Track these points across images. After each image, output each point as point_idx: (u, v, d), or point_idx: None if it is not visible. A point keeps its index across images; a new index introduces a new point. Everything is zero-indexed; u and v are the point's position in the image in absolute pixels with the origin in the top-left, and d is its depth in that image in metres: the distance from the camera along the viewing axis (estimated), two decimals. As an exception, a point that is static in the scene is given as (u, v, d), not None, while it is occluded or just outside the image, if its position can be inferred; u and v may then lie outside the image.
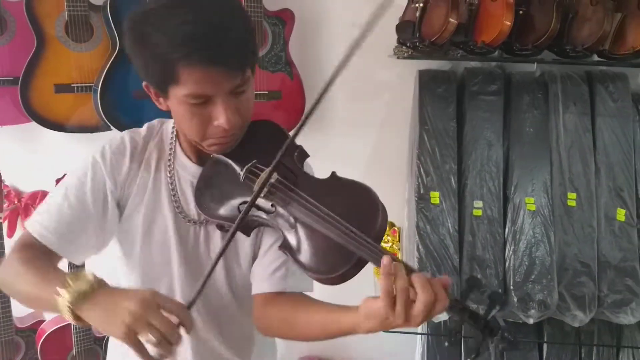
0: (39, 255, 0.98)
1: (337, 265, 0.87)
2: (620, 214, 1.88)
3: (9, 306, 2.08)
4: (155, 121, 1.13)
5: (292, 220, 0.94)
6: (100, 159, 1.04)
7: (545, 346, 1.97)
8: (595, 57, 1.94)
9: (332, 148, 2.05)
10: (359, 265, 0.87)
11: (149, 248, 1.06)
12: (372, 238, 0.86)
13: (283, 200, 0.94)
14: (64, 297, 0.83)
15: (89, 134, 2.04)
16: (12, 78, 1.96)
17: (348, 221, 0.88)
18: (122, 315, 0.79)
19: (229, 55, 0.89)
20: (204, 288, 0.86)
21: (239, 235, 1.03)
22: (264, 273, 1.04)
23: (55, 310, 0.85)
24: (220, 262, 1.06)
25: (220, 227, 1.05)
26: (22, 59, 1.92)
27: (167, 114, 1.03)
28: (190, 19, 0.86)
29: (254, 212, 0.97)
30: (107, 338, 2.16)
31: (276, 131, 1.07)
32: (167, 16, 0.87)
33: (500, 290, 1.78)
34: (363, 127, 2.19)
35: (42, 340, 2.10)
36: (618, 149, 1.93)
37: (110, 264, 1.13)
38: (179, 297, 1.06)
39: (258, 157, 0.99)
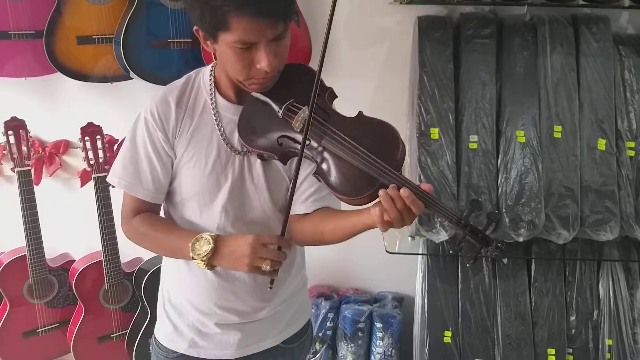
0: (153, 216, 1.28)
1: (363, 189, 1.05)
2: (601, 144, 2.05)
3: (42, 248, 2.23)
4: (192, 72, 1.28)
5: (324, 151, 1.11)
6: (150, 117, 1.21)
7: (533, 263, 2.17)
8: (580, 1, 2.08)
9: (337, 92, 2.19)
10: (380, 189, 1.04)
11: (203, 177, 1.22)
12: (393, 167, 1.04)
13: (317, 135, 1.11)
14: (196, 262, 1.16)
15: (109, 83, 2.17)
16: (34, 32, 2.04)
17: (372, 153, 1.05)
18: (242, 260, 1.13)
19: (275, 8, 1.03)
20: (289, 212, 1.15)
21: (278, 163, 1.21)
22: (301, 198, 1.23)
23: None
24: (264, 185, 1.24)
25: (260, 157, 1.21)
26: (42, 13, 1.99)
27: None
28: None
29: (292, 144, 1.14)
30: (138, 270, 2.33)
31: (307, 72, 1.21)
32: None
33: (496, 211, 1.98)
34: (366, 71, 2.31)
35: (75, 277, 2.24)
36: (600, 85, 2.07)
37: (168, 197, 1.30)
38: (231, 215, 1.24)
39: (294, 96, 1.14)
